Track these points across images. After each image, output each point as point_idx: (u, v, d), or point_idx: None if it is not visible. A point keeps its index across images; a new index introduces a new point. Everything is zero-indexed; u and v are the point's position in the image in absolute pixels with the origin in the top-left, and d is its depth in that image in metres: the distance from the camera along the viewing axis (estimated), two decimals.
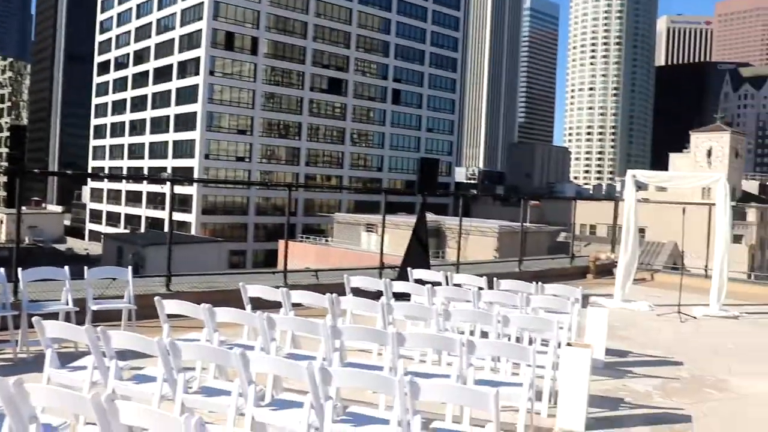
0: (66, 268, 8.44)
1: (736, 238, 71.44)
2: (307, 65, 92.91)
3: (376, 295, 8.71)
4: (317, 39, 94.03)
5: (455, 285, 9.91)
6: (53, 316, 7.51)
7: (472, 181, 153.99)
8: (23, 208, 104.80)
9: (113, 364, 5.33)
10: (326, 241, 67.01)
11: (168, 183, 11.37)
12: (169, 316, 6.82)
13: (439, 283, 9.89)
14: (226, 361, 5.14)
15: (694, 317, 12.75)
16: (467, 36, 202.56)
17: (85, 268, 8.71)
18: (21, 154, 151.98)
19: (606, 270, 17.69)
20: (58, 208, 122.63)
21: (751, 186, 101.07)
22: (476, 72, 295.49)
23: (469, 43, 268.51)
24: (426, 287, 8.79)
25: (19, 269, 8.14)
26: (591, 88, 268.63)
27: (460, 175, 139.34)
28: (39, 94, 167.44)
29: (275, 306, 8.13)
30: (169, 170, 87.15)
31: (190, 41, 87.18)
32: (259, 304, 7.96)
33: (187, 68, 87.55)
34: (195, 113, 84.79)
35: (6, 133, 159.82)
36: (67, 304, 8.20)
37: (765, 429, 6.89)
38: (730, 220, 13.86)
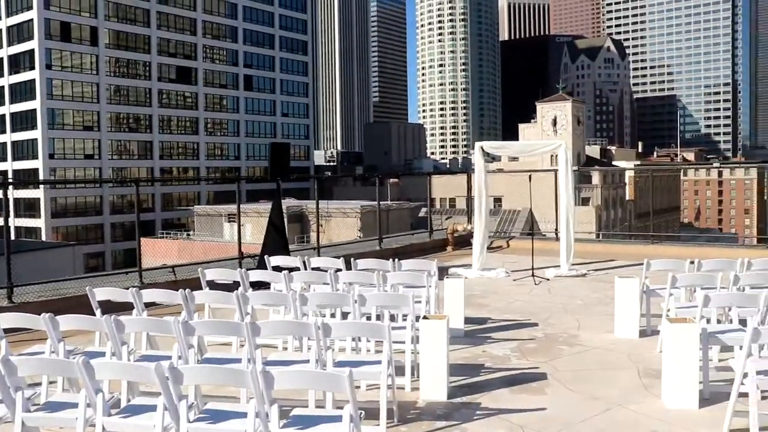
0: None
1: (584, 201, 76.04)
2: (153, 55, 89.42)
3: (235, 287, 8.54)
4: (162, 27, 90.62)
5: (314, 269, 9.89)
6: None
7: (332, 164, 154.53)
8: None
9: None
10: (188, 235, 65.17)
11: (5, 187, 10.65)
12: (9, 330, 6.38)
13: (297, 269, 9.84)
14: (71, 372, 4.86)
15: (547, 279, 13.41)
16: (316, 18, 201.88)
17: None
18: None
19: (464, 241, 18.23)
20: None
21: (593, 151, 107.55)
22: (328, 53, 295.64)
23: (318, 25, 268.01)
24: (283, 273, 8.71)
25: None
26: (441, 65, 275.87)
27: (319, 158, 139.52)
28: None
29: (129, 308, 7.81)
30: (9, 173, 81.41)
31: (20, 33, 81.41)
32: (110, 307, 7.61)
33: (20, 62, 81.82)
34: (34, 110, 79.52)
35: None
36: None
37: (609, 372, 7.35)
38: (573, 184, 14.67)
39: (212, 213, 63.60)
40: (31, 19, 79.34)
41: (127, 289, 7.69)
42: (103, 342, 7.01)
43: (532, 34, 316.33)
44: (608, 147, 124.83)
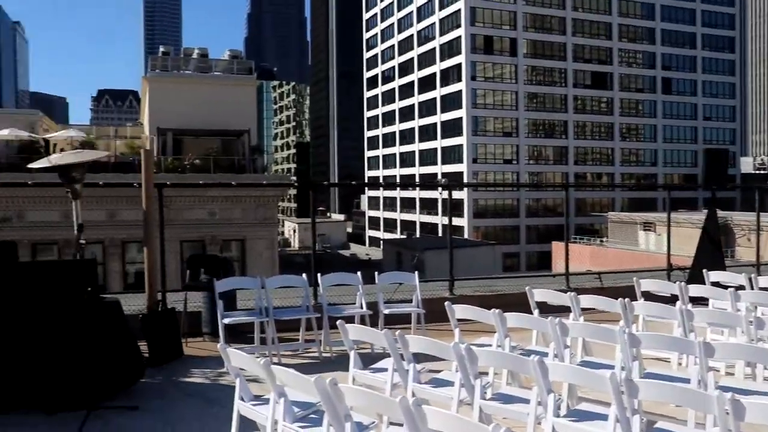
0: (359, 273, 8.97)
1: None
2: (569, 61, 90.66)
3: (668, 300, 8.10)
4: (577, 34, 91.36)
5: (762, 288, 8.90)
6: (349, 318, 8.01)
7: (761, 172, 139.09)
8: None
9: (411, 368, 5.50)
10: (600, 241, 64.61)
11: (443, 189, 11.52)
12: (458, 320, 6.92)
13: (742, 287, 8.95)
14: (522, 369, 5.05)
15: None
16: (745, 10, 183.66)
17: (376, 273, 9.19)
18: (306, 168, 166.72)
19: None
20: (341, 217, 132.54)
21: None
22: (761, 49, 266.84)
23: (749, 20, 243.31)
24: (728, 291, 7.99)
25: (318, 275, 8.80)
26: None
27: (747, 165, 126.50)
28: (318, 112, 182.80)
29: (561, 311, 7.90)
30: (439, 176, 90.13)
31: (450, 49, 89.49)
32: (544, 308, 7.80)
33: (449, 76, 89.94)
34: (460, 119, 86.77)
35: (293, 150, 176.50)
36: (362, 307, 8.71)
37: None
38: None
39: (626, 220, 62.10)
40: (459, 36, 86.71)
41: (563, 292, 7.80)
42: (539, 341, 7.22)
43: None
44: None
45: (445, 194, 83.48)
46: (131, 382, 6.87)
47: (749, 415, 3.96)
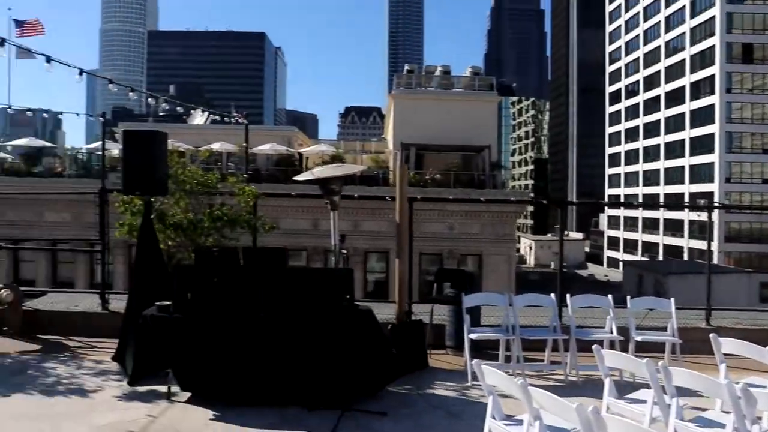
0: (609, 297, 8.56)
1: None
2: None
3: None
4: None
5: None
6: (596, 342, 7.64)
7: None
8: (548, 235, 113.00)
9: (674, 402, 5.11)
10: None
11: (711, 210, 10.71)
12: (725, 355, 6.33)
13: None
14: None
15: None
16: None
17: (628, 297, 8.72)
18: (544, 185, 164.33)
19: None
20: (579, 236, 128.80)
21: None
22: None
23: None
24: None
25: (567, 295, 8.52)
26: None
27: None
28: (557, 128, 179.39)
29: None
30: (686, 196, 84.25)
31: (702, 59, 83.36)
32: None
33: (700, 88, 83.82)
34: (712, 135, 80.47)
35: (530, 167, 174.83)
36: (611, 332, 8.30)
37: None
38: None
39: None
40: (713, 45, 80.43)
41: None
42: None
43: None
44: None
45: (695, 215, 78.02)
46: (380, 388, 7.13)
47: None
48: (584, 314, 9.40)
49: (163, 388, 7.06)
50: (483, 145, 38.95)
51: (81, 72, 12.50)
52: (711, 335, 6.36)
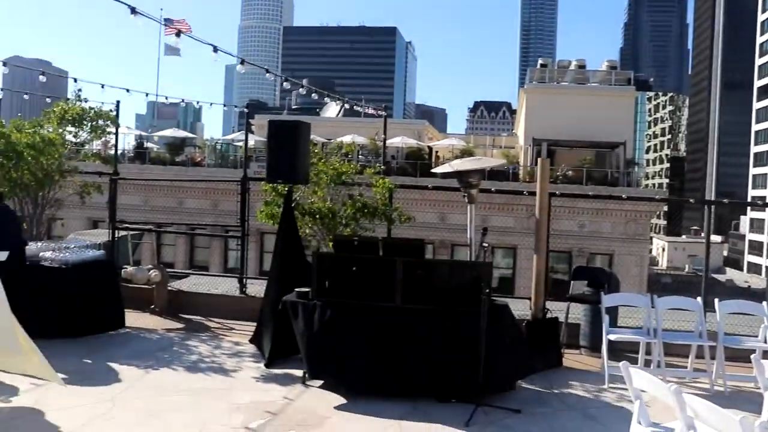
0: (764, 303, 8.02)
1: None
2: None
3: None
4: None
5: None
6: (749, 351, 7.19)
7: None
8: (683, 236, 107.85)
9: None
10: None
11: None
12: None
13: None
14: None
15: None
16: None
17: None
18: (680, 184, 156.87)
19: None
20: (717, 238, 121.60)
21: None
22: None
23: None
24: None
25: (716, 300, 8.07)
26: None
27: None
28: (696, 125, 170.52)
29: None
30: None
31: None
32: None
33: None
34: None
35: (666, 165, 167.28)
36: (765, 341, 7.77)
37: None
38: None
39: None
40: None
41: None
42: None
43: None
44: None
45: None
46: (513, 384, 7.05)
47: None
48: (731, 322, 8.87)
49: (298, 372, 7.27)
50: (617, 141, 37.61)
51: (242, 62, 13.38)
52: None
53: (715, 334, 7.77)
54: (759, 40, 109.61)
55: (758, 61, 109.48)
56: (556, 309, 8.91)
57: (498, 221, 30.02)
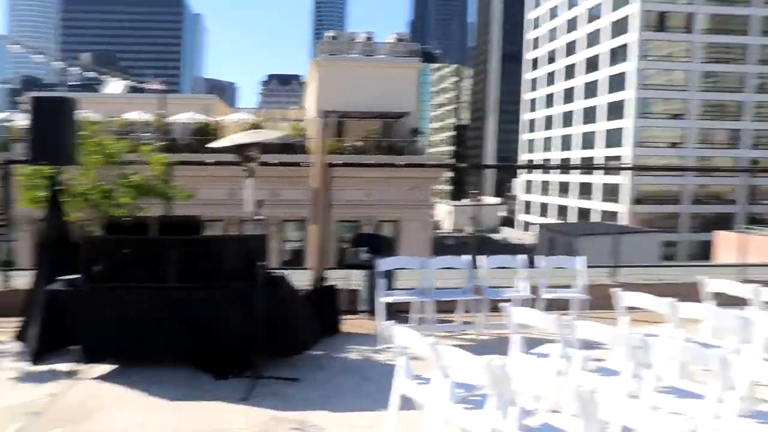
0: (524, 257, 8.80)
1: None
2: (752, 36, 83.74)
3: None
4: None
5: None
6: (508, 301, 7.86)
7: None
8: (465, 200, 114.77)
9: (578, 355, 5.33)
10: None
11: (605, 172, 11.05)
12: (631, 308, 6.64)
13: None
14: (701, 362, 4.76)
15: None
16: None
17: (535, 257, 8.99)
18: (464, 150, 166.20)
19: None
20: (496, 200, 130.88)
21: None
22: None
23: None
24: None
25: (480, 257, 8.71)
26: None
27: None
28: (478, 95, 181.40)
29: (737, 303, 7.37)
30: (597, 160, 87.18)
31: (620, 27, 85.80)
32: (720, 300, 7.30)
33: (617, 55, 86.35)
34: (624, 101, 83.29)
35: (451, 133, 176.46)
36: (522, 291, 8.54)
37: None
38: None
39: None
40: (630, 13, 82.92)
41: (745, 283, 7.27)
42: (716, 334, 6.76)
43: None
44: None
45: (608, 179, 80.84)
46: (295, 353, 7.18)
47: None
48: (498, 275, 9.61)
49: (67, 367, 6.83)
50: (403, 111, 39.04)
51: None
52: (616, 290, 6.65)
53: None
54: (530, 15, 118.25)
55: (530, 35, 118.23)
56: (340, 277, 9.12)
57: (288, 194, 30.11)
